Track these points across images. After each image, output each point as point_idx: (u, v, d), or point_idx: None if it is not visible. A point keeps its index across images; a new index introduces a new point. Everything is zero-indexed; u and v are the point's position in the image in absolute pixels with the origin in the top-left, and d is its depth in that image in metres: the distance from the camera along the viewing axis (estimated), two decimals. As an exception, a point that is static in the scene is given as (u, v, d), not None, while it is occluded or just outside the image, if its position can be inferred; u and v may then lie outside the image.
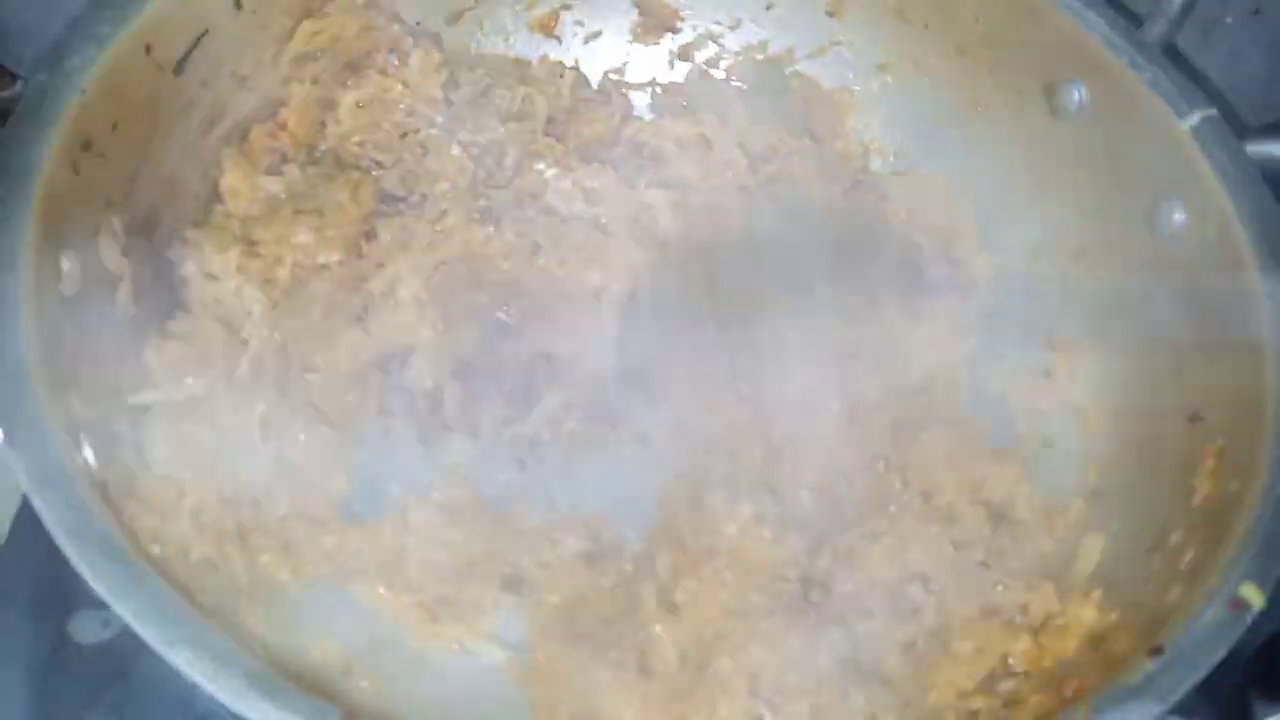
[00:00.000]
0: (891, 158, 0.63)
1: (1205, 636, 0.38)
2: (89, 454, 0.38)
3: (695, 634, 0.46)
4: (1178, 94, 0.53)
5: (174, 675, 0.45)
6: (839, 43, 0.63)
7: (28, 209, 0.40)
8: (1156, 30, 0.56)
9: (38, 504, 0.34)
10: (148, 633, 0.31)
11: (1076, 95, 0.57)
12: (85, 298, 0.44)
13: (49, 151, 0.42)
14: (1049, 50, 0.57)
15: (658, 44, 0.64)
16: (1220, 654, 0.37)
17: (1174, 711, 0.51)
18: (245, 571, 0.43)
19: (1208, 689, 0.41)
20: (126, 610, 0.32)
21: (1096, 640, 0.45)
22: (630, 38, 0.64)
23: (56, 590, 0.47)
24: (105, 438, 0.40)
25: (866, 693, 0.46)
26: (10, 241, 0.39)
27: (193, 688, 0.45)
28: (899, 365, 0.59)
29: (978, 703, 0.46)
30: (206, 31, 0.51)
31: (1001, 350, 0.60)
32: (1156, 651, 0.37)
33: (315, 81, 0.57)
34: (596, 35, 0.64)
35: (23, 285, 0.39)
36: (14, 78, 0.68)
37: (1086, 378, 0.58)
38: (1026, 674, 0.46)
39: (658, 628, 0.46)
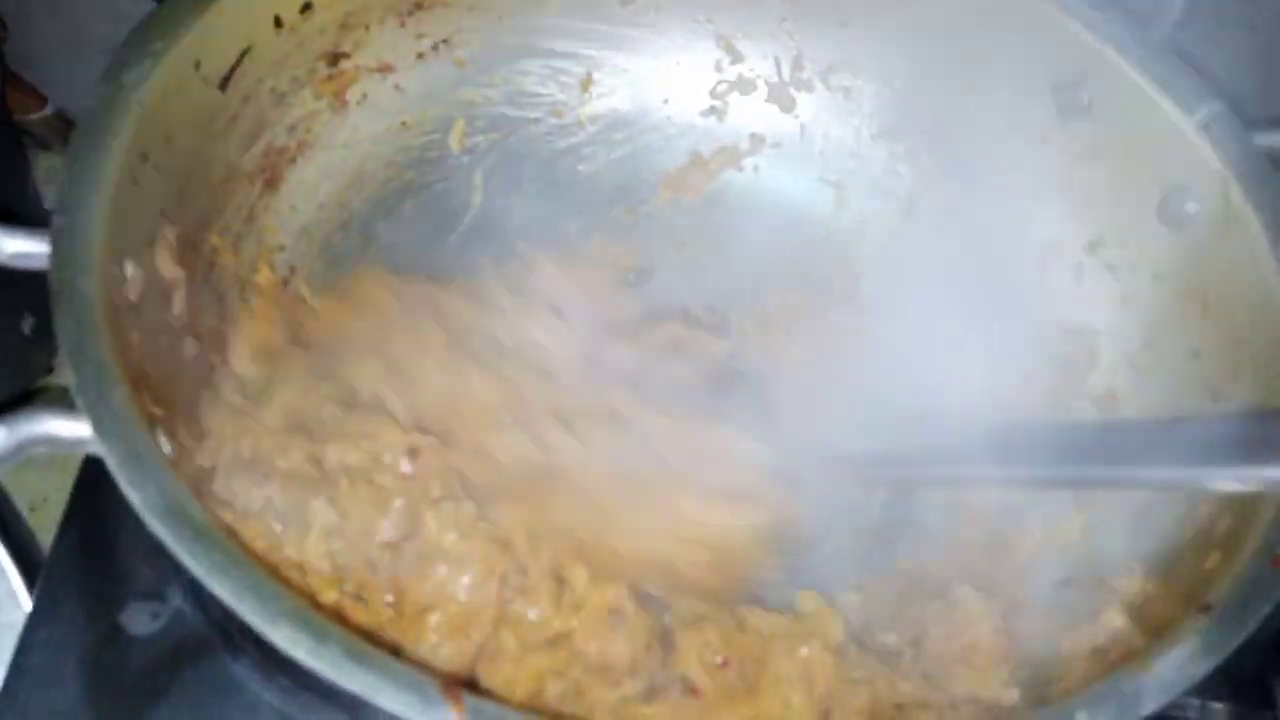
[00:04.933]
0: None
1: (1251, 594, 0.39)
2: (166, 448, 0.39)
3: None
4: (1185, 90, 0.55)
5: (222, 664, 0.47)
6: (850, 56, 0.65)
7: (96, 217, 0.42)
8: (1161, 29, 0.58)
9: (129, 492, 0.34)
10: (246, 610, 0.32)
11: (1084, 95, 0.59)
12: (145, 304, 0.45)
13: (112, 163, 0.44)
14: (1055, 51, 0.59)
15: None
16: (1266, 608, 0.38)
17: (1196, 695, 0.53)
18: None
19: (1229, 674, 0.42)
20: (224, 589, 0.33)
21: (1136, 610, 0.46)
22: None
23: (108, 583, 0.49)
24: (176, 436, 0.41)
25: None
26: (84, 247, 0.40)
27: (240, 679, 0.47)
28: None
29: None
30: (249, 48, 0.52)
31: (1016, 345, 0.62)
32: (1206, 609, 0.39)
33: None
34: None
35: (96, 288, 0.40)
36: (44, 101, 0.70)
37: (1105, 367, 0.59)
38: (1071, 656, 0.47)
39: None
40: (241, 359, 0.50)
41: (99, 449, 0.35)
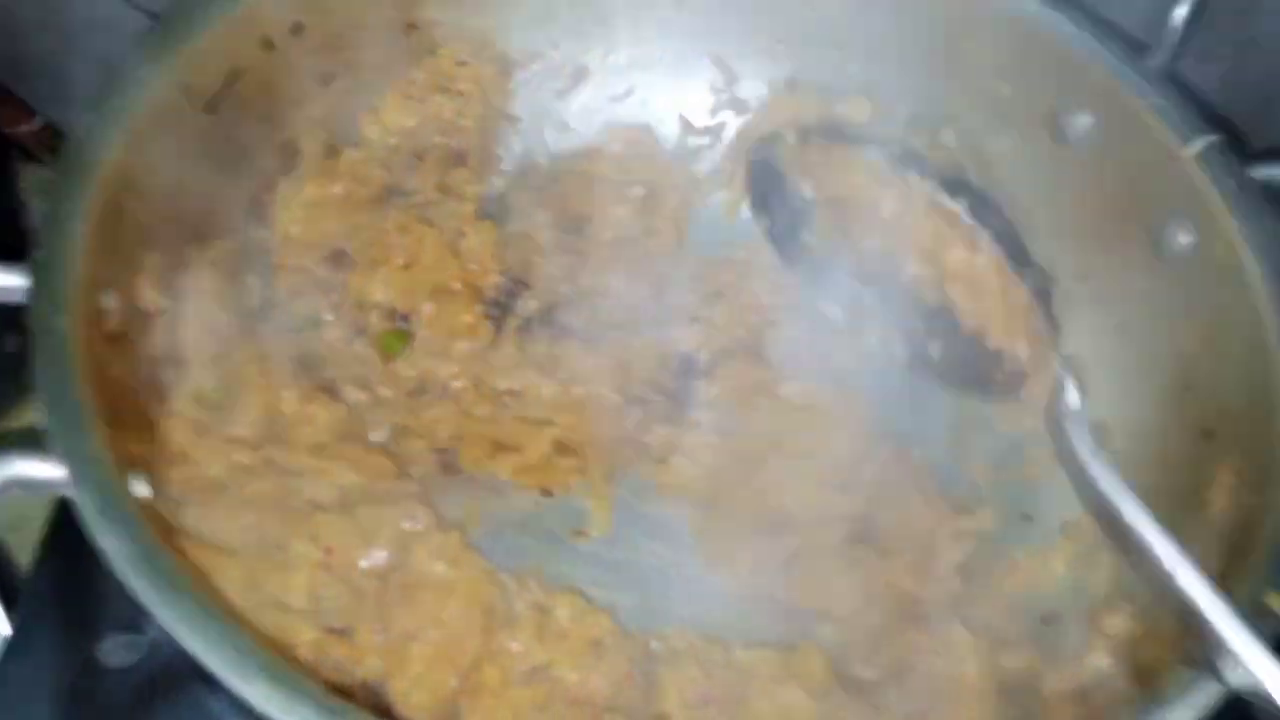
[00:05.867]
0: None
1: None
2: (142, 490, 0.39)
3: None
4: (1182, 120, 0.54)
5: (199, 697, 0.46)
6: (846, 79, 0.64)
7: (77, 253, 0.41)
8: (1158, 59, 0.58)
9: (103, 542, 0.34)
10: (218, 664, 0.32)
11: (1080, 123, 0.58)
12: (127, 334, 0.44)
13: (95, 193, 0.43)
14: (1052, 79, 0.58)
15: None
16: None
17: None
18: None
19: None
20: (196, 643, 0.32)
21: (1122, 650, 0.46)
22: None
23: (84, 615, 0.48)
24: (155, 470, 0.41)
25: None
26: (60, 283, 0.40)
27: (217, 714, 0.46)
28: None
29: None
30: (239, 71, 0.52)
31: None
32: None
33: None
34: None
35: (74, 325, 0.39)
36: (33, 114, 0.69)
37: (1096, 397, 0.59)
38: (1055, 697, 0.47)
39: None
40: (190, 342, 0.48)
41: (72, 493, 0.35)
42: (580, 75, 0.65)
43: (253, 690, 0.32)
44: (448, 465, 0.54)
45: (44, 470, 0.36)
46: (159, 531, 0.35)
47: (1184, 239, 0.55)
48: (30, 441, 0.36)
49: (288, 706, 0.31)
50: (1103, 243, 0.59)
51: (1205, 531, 0.48)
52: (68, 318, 0.39)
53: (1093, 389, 0.59)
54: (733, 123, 0.66)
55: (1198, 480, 0.50)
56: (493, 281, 0.59)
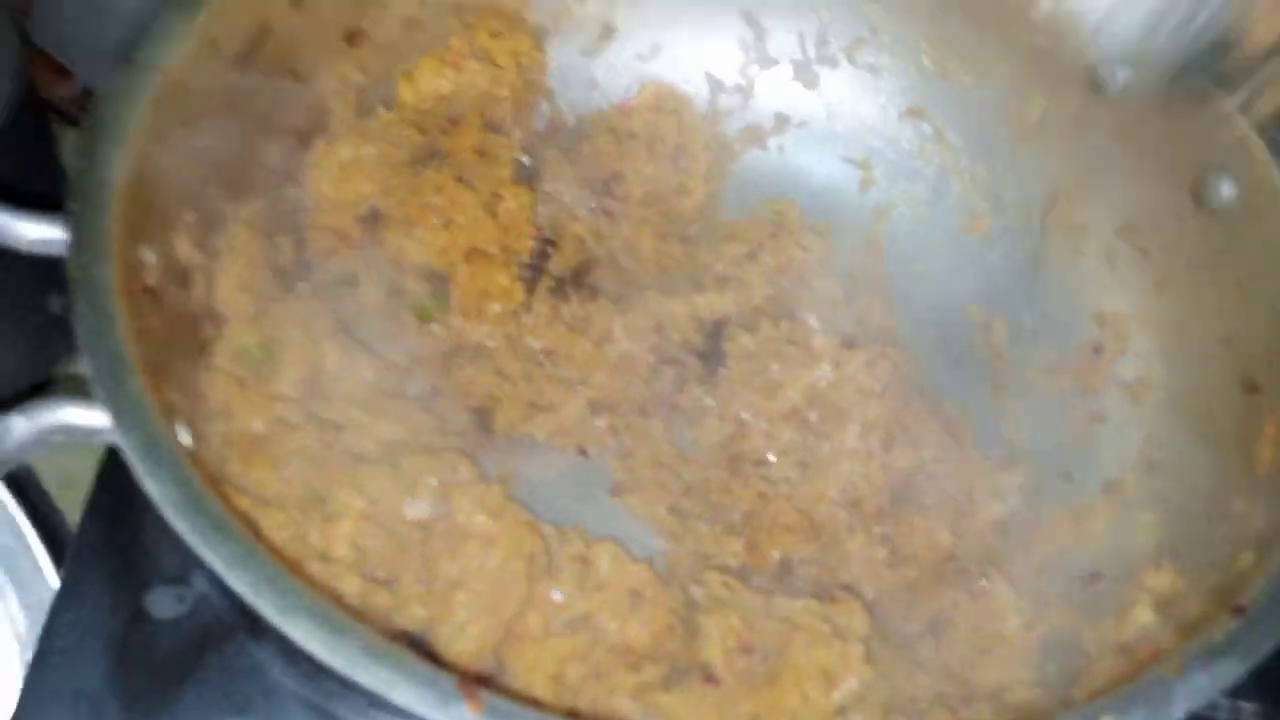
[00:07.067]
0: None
1: (1285, 595, 0.38)
2: (185, 438, 0.39)
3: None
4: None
5: (246, 648, 0.47)
6: (876, 32, 0.64)
7: (113, 204, 0.41)
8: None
9: (147, 484, 0.34)
10: (264, 604, 0.32)
11: (1118, 72, 0.57)
12: (165, 289, 0.45)
13: (128, 147, 0.43)
14: (1093, 31, 0.57)
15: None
16: (1303, 611, 0.38)
17: (1227, 694, 0.52)
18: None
19: (1260, 674, 0.41)
20: (241, 583, 0.32)
21: (1166, 606, 0.45)
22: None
23: (132, 567, 0.48)
24: (196, 424, 0.41)
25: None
26: (99, 235, 0.40)
27: (263, 664, 0.47)
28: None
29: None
30: (267, 27, 0.52)
31: (1045, 330, 0.61)
32: (1239, 611, 0.38)
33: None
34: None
35: (113, 275, 0.40)
36: (71, 78, 0.69)
37: (1136, 353, 0.58)
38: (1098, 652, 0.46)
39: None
40: (227, 300, 0.48)
41: (117, 439, 0.35)
42: (607, 33, 0.64)
43: (296, 629, 0.32)
44: (484, 425, 0.54)
45: (90, 418, 0.36)
46: (204, 478, 0.35)
47: (1226, 190, 0.54)
48: (78, 389, 0.36)
49: (332, 645, 0.31)
50: (1143, 196, 0.58)
51: (1252, 488, 0.47)
52: (106, 267, 0.39)
53: (1132, 346, 0.58)
54: (762, 80, 0.66)
55: (1243, 436, 0.49)
56: (527, 245, 0.59)
